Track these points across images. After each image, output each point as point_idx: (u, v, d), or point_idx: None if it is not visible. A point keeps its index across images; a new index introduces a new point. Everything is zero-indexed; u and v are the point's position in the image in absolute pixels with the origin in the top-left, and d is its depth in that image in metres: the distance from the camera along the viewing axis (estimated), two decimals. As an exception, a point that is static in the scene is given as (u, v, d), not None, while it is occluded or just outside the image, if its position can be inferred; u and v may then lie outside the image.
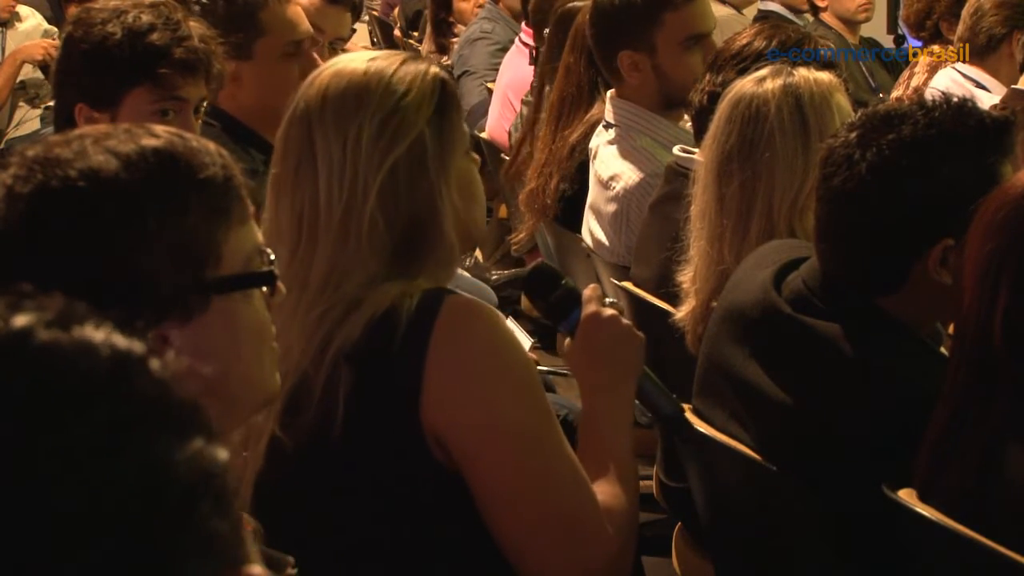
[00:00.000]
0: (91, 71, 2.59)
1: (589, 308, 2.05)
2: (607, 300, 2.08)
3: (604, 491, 1.96)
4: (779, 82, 2.66)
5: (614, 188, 3.55)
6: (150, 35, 2.57)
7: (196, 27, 2.66)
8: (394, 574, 1.93)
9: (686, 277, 2.75)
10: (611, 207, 3.56)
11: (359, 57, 2.00)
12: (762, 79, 2.68)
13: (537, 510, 1.89)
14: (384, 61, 1.97)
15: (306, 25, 3.39)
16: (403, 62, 1.97)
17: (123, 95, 2.58)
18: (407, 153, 1.92)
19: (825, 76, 2.71)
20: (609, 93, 3.76)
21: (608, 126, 3.70)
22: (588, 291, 2.08)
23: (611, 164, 3.61)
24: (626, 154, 3.59)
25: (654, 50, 3.62)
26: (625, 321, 2.07)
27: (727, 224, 2.65)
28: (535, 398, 1.92)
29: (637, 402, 2.10)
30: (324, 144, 1.92)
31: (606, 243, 3.59)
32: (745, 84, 2.70)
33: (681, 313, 2.74)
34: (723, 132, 2.68)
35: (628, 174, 3.54)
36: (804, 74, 2.68)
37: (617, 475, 1.99)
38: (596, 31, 3.72)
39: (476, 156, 2.06)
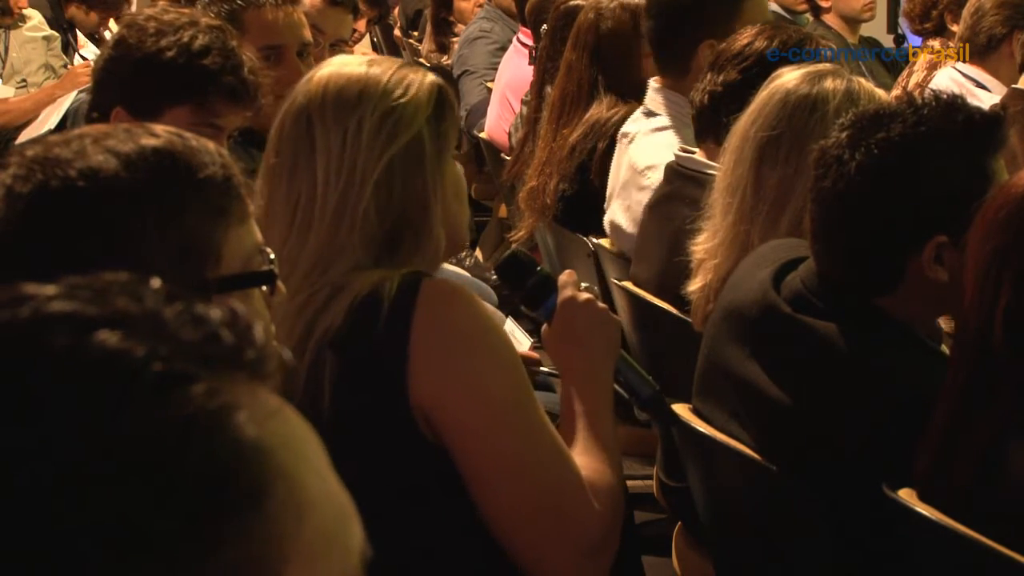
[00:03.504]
0: (138, 80, 2.57)
1: (566, 292, 2.09)
2: (583, 285, 2.10)
3: (588, 467, 1.98)
4: (841, 85, 2.63)
5: (649, 177, 3.52)
6: (203, 58, 2.56)
7: (248, 58, 2.65)
8: (385, 555, 1.94)
9: (701, 247, 2.72)
10: (643, 195, 3.52)
11: (357, 60, 2.06)
12: (820, 76, 2.64)
13: (523, 485, 1.91)
14: (383, 65, 2.03)
15: (293, 32, 3.36)
16: (402, 66, 2.04)
17: (164, 110, 2.56)
18: (405, 150, 1.96)
19: (882, 93, 2.69)
20: (652, 81, 3.72)
21: (651, 114, 3.66)
22: (564, 276, 2.12)
23: (651, 153, 3.56)
24: (668, 145, 3.55)
25: None
26: (601, 304, 2.10)
27: (762, 209, 2.62)
28: (517, 375, 1.95)
29: (616, 387, 2.11)
30: (324, 135, 1.97)
31: (627, 230, 3.56)
32: (798, 77, 2.65)
33: (693, 287, 2.72)
34: (774, 117, 2.63)
35: (664, 167, 3.49)
36: (864, 84, 2.66)
37: (601, 453, 2.01)
38: (666, 22, 3.65)
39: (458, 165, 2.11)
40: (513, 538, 1.93)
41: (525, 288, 2.11)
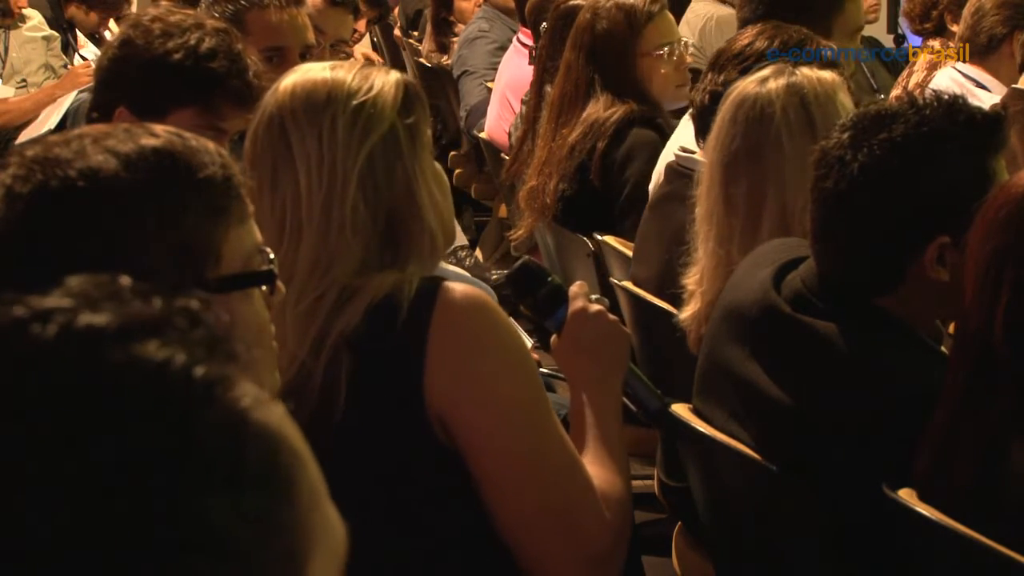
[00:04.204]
0: (144, 82, 2.56)
1: (576, 304, 2.09)
2: (593, 296, 2.10)
3: (599, 477, 1.98)
4: (783, 82, 2.65)
5: None
6: (210, 61, 2.56)
7: (252, 61, 2.64)
8: (395, 557, 1.94)
9: (691, 279, 2.74)
10: None
11: (319, 66, 2.07)
12: (764, 79, 2.67)
13: (535, 491, 1.91)
14: (345, 67, 2.04)
15: (296, 34, 3.36)
16: (364, 67, 2.04)
17: (169, 112, 2.56)
18: (382, 142, 1.97)
19: (828, 74, 2.71)
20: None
21: None
22: (575, 287, 2.11)
23: None
24: None
25: (830, 35, 3.60)
26: (612, 317, 2.10)
27: (736, 226, 2.64)
28: (532, 381, 1.95)
29: (623, 398, 2.11)
30: (299, 139, 1.97)
31: None
32: (747, 85, 2.69)
33: (685, 314, 2.73)
34: (727, 134, 2.67)
35: None
36: (807, 73, 2.68)
37: (612, 464, 2.01)
38: (764, 9, 3.65)
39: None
40: (522, 543, 1.93)
41: (536, 298, 2.11)
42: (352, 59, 3.29)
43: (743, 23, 3.76)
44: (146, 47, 2.57)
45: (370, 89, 1.98)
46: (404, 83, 2.02)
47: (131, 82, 2.58)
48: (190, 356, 0.73)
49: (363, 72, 2.01)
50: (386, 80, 2.01)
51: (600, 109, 4.05)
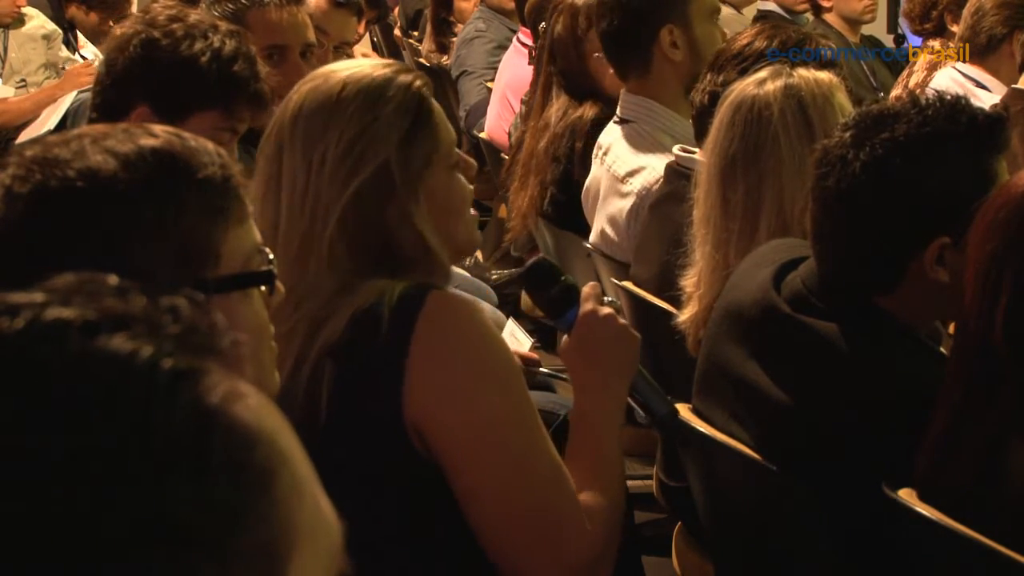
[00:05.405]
0: (172, 83, 2.55)
1: (586, 306, 2.07)
2: (606, 299, 2.09)
3: (587, 488, 1.96)
4: (780, 84, 2.65)
5: (631, 183, 3.53)
6: (234, 64, 2.55)
7: (262, 65, 2.65)
8: (376, 568, 1.93)
9: (689, 281, 2.74)
10: (625, 202, 3.54)
11: (342, 70, 2.01)
12: (762, 81, 2.67)
13: (514, 504, 1.89)
14: (364, 78, 1.98)
15: (297, 33, 3.35)
16: (385, 79, 1.97)
17: (193, 114, 2.55)
18: (373, 177, 1.93)
19: (825, 75, 2.71)
20: (623, 90, 3.73)
21: (622, 122, 3.67)
22: (587, 289, 2.09)
23: (628, 160, 3.58)
24: (647, 150, 3.56)
25: (689, 24, 3.60)
26: (622, 320, 2.09)
27: (733, 229, 2.64)
28: (516, 393, 1.93)
29: (630, 402, 2.10)
30: (290, 165, 1.95)
31: (615, 238, 3.57)
32: (745, 87, 2.69)
33: (683, 317, 2.73)
34: (725, 137, 2.67)
35: (648, 171, 3.50)
36: (804, 74, 2.68)
37: (602, 473, 2.00)
38: (622, 13, 3.66)
39: (471, 160, 2.07)
40: (502, 552, 1.91)
41: (547, 297, 2.09)
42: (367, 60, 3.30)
43: (606, 35, 3.71)
44: (172, 48, 2.56)
45: (375, 118, 1.94)
46: (417, 101, 1.96)
47: (157, 83, 2.56)
48: (158, 349, 0.73)
49: (378, 88, 1.95)
50: (400, 103, 1.94)
51: (555, 112, 4.10)
